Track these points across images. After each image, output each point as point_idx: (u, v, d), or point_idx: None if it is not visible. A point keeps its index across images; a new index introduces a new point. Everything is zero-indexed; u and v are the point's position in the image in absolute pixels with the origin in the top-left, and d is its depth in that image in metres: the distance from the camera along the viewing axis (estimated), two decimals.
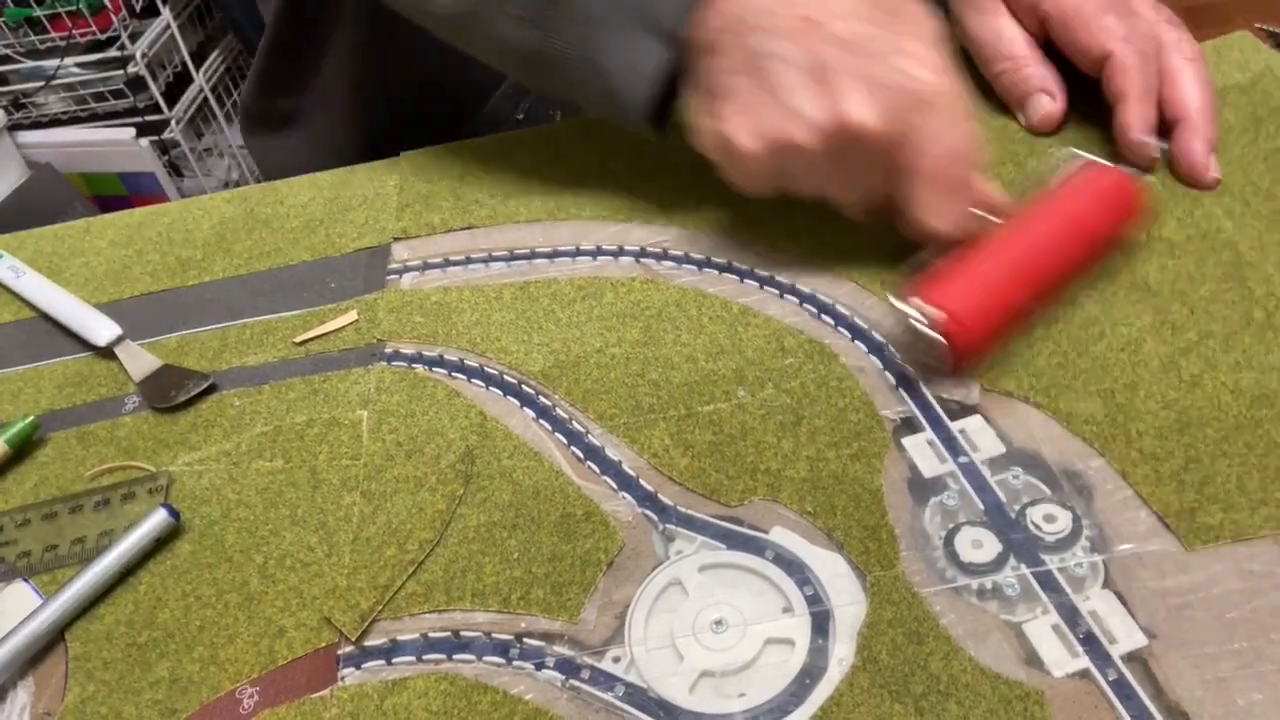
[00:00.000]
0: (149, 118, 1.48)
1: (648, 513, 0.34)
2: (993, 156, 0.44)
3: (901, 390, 0.36)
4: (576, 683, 0.30)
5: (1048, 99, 0.45)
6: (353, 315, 0.43)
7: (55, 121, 1.51)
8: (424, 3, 0.44)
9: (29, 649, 0.32)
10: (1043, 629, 0.29)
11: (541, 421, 0.37)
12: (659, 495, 0.34)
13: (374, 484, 0.36)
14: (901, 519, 0.32)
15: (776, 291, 0.41)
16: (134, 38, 1.40)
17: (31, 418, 0.40)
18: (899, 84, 0.35)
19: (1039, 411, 0.34)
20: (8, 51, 1.41)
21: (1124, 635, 0.28)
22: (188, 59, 1.50)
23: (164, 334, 0.45)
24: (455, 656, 0.31)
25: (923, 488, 0.33)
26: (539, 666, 0.30)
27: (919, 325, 0.34)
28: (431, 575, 0.33)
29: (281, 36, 0.62)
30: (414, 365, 0.41)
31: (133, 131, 1.47)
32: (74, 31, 1.37)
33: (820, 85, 0.35)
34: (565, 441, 0.36)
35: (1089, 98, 0.44)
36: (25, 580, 0.36)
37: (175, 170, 1.56)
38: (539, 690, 0.30)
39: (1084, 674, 0.28)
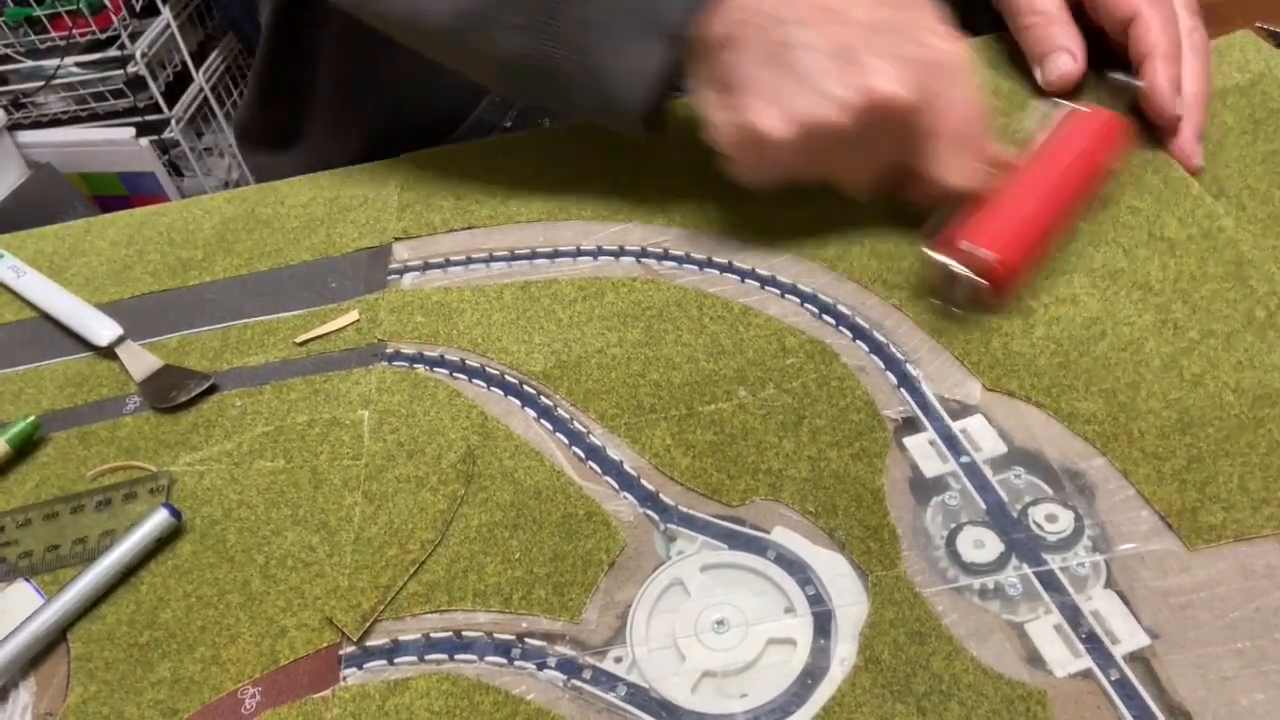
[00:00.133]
0: (149, 117, 1.48)
1: (649, 513, 0.34)
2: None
3: (903, 390, 0.36)
4: (578, 683, 0.30)
5: (1068, 58, 0.45)
6: (354, 315, 0.43)
7: (55, 121, 1.51)
8: (417, 20, 0.43)
9: (31, 649, 0.32)
10: (1045, 629, 0.29)
11: (543, 421, 0.37)
12: (660, 495, 0.34)
13: (375, 484, 0.36)
14: (903, 519, 0.32)
15: (777, 291, 0.41)
16: (134, 37, 1.40)
17: (33, 418, 0.40)
18: (921, 56, 0.37)
19: (1040, 411, 0.34)
20: (8, 51, 1.41)
21: (1126, 635, 0.28)
22: (188, 59, 1.50)
23: (165, 334, 0.45)
24: (457, 656, 0.31)
25: (924, 487, 0.33)
26: (541, 667, 0.30)
27: (960, 271, 0.37)
28: (433, 575, 0.33)
29: (273, 58, 0.62)
30: (415, 365, 0.41)
31: (133, 131, 1.47)
32: (74, 31, 1.37)
33: (848, 66, 0.36)
34: (566, 441, 0.36)
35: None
36: (27, 580, 0.36)
37: (175, 170, 1.56)
38: (541, 690, 0.30)
39: (1086, 674, 0.28)
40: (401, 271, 0.45)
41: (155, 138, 1.48)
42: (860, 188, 0.40)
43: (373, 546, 0.34)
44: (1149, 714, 0.26)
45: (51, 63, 1.41)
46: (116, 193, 1.54)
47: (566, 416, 0.37)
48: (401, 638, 0.31)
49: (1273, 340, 0.35)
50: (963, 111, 0.38)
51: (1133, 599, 0.29)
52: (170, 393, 0.41)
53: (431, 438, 0.37)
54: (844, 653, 0.29)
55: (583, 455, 0.36)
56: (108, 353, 0.44)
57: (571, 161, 0.50)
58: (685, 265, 0.43)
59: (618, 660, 0.30)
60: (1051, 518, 0.31)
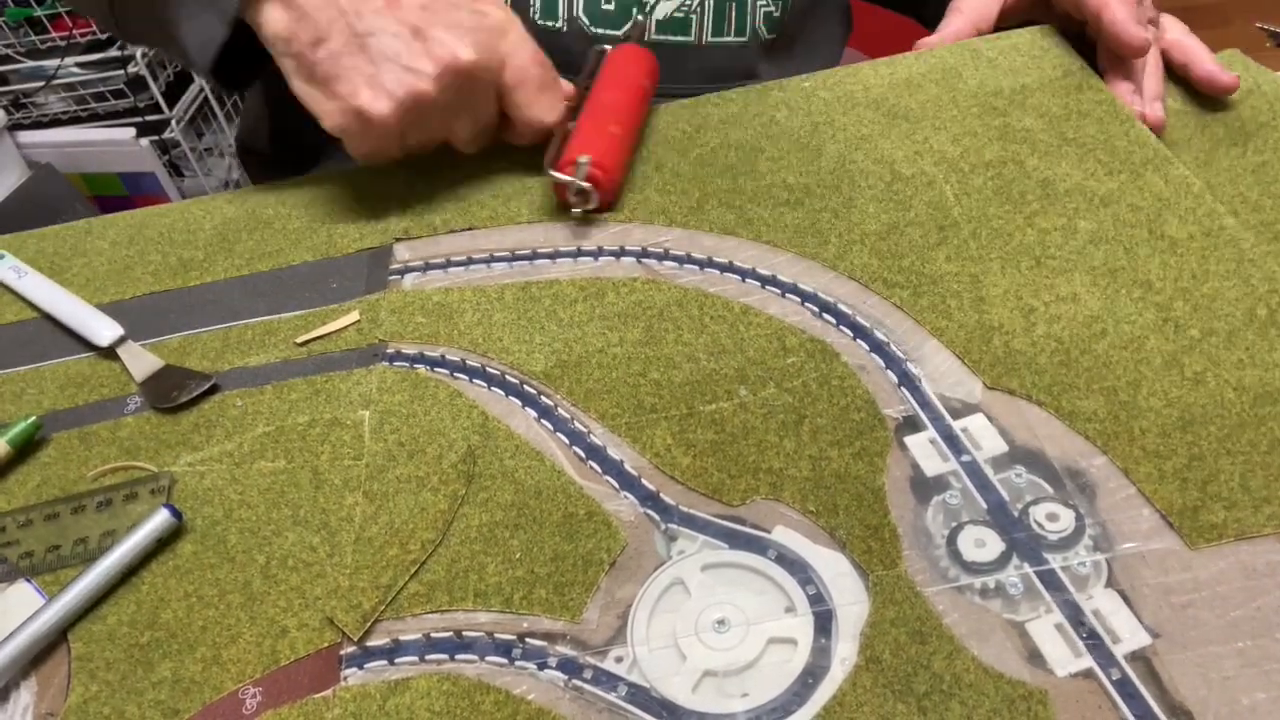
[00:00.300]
0: (149, 117, 1.48)
1: (650, 512, 0.34)
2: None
3: (903, 389, 0.36)
4: (579, 683, 0.30)
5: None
6: (355, 316, 0.43)
7: (55, 121, 1.51)
8: None
9: (32, 649, 0.32)
10: (1046, 628, 0.29)
11: (543, 421, 0.37)
12: (661, 495, 0.34)
13: (376, 484, 0.36)
14: (904, 518, 0.32)
15: (778, 291, 0.41)
16: None
17: (33, 418, 0.40)
18: (479, 23, 0.45)
19: (1041, 409, 0.34)
20: (8, 51, 1.41)
21: (1127, 634, 0.28)
22: None
23: (166, 334, 0.45)
24: (458, 656, 0.31)
25: (925, 486, 0.33)
26: (541, 666, 0.30)
27: (576, 181, 0.44)
28: (434, 575, 0.33)
29: (273, 80, 0.63)
30: (416, 365, 0.40)
31: (133, 131, 1.47)
32: (74, 31, 1.37)
33: (423, 43, 0.43)
34: (567, 441, 0.36)
35: None
36: (28, 580, 0.36)
37: (175, 170, 1.56)
38: (541, 690, 0.30)
39: (1087, 673, 0.28)
40: (402, 272, 0.45)
41: (155, 138, 1.48)
42: (469, 145, 0.48)
43: (373, 546, 0.34)
44: (1150, 713, 0.26)
45: (52, 63, 1.41)
46: (117, 193, 1.54)
47: (567, 416, 0.37)
48: (402, 638, 0.31)
49: (1274, 338, 0.35)
50: (531, 61, 0.46)
51: (1134, 598, 0.29)
52: (171, 393, 0.41)
53: (432, 438, 0.37)
54: (845, 652, 0.29)
55: (583, 455, 0.36)
56: (108, 353, 0.44)
57: None
58: (686, 265, 0.43)
59: (618, 660, 0.30)
60: (1052, 517, 0.31)
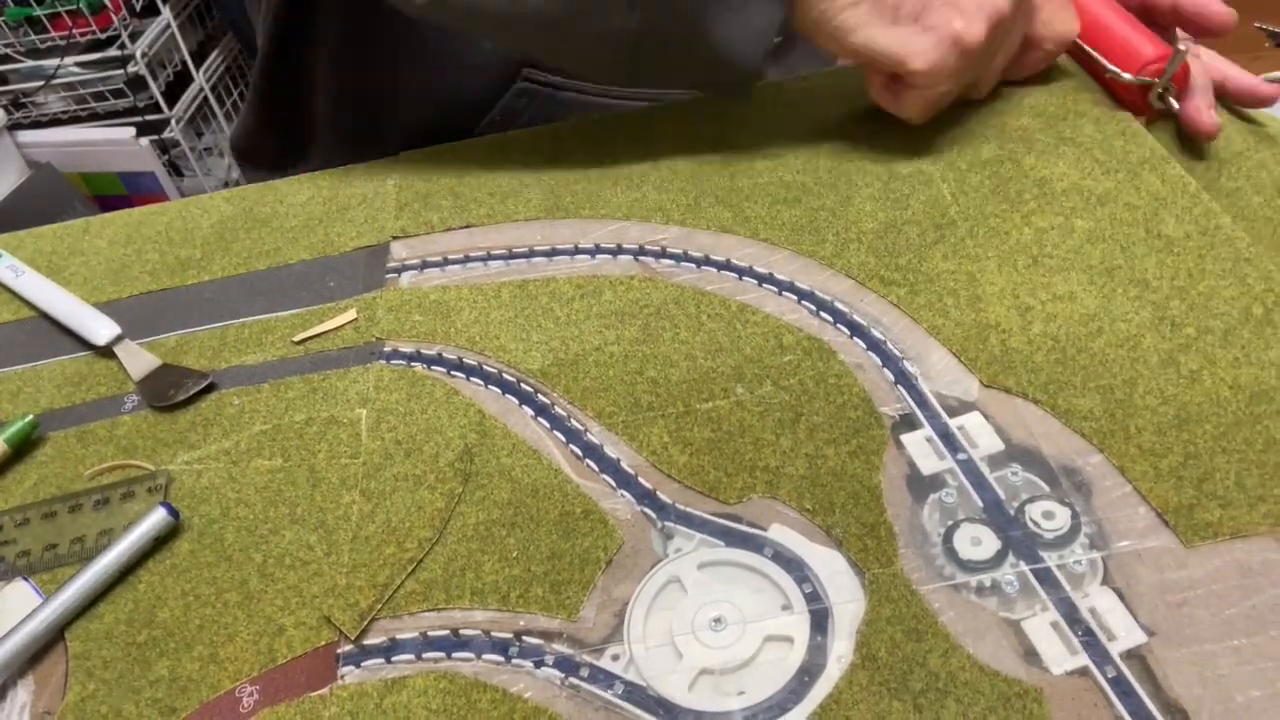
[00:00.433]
0: (149, 117, 1.49)
1: (646, 510, 0.34)
2: None
3: (900, 387, 0.36)
4: (576, 681, 0.30)
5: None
6: (352, 314, 0.43)
7: (55, 121, 1.51)
8: (518, 9, 0.44)
9: (29, 648, 0.33)
10: (1041, 626, 0.29)
11: (540, 419, 0.37)
12: (658, 493, 0.34)
13: (373, 482, 0.36)
14: (900, 516, 0.32)
15: (775, 288, 0.41)
16: (134, 37, 1.40)
17: (31, 417, 0.40)
18: None
19: (1037, 408, 0.34)
20: (8, 51, 1.41)
21: (1123, 632, 0.28)
22: (188, 58, 1.50)
23: (163, 333, 0.45)
24: (454, 655, 0.31)
25: (921, 485, 0.33)
26: (538, 664, 0.30)
27: (1170, 70, 0.44)
28: (430, 573, 0.33)
29: (271, 79, 0.63)
30: (413, 364, 0.41)
31: (133, 131, 1.47)
32: (74, 31, 1.37)
33: None
34: (564, 439, 0.36)
35: None
36: (25, 579, 0.36)
37: (175, 170, 1.56)
38: (538, 688, 0.30)
39: (1083, 671, 0.28)
40: (399, 270, 0.45)
41: (155, 137, 1.48)
42: (991, 82, 0.47)
43: (370, 545, 0.34)
44: (1145, 711, 0.26)
45: (51, 62, 1.41)
46: (116, 192, 1.54)
47: (564, 414, 0.37)
48: (399, 636, 0.32)
49: (1270, 337, 0.35)
50: None
51: (1129, 596, 0.29)
52: (168, 391, 0.41)
53: (429, 436, 0.37)
54: (841, 650, 0.29)
55: (580, 453, 0.36)
56: (106, 352, 0.44)
57: (569, 160, 0.50)
58: (683, 263, 0.43)
59: (615, 658, 0.30)
60: (1048, 515, 0.31)
